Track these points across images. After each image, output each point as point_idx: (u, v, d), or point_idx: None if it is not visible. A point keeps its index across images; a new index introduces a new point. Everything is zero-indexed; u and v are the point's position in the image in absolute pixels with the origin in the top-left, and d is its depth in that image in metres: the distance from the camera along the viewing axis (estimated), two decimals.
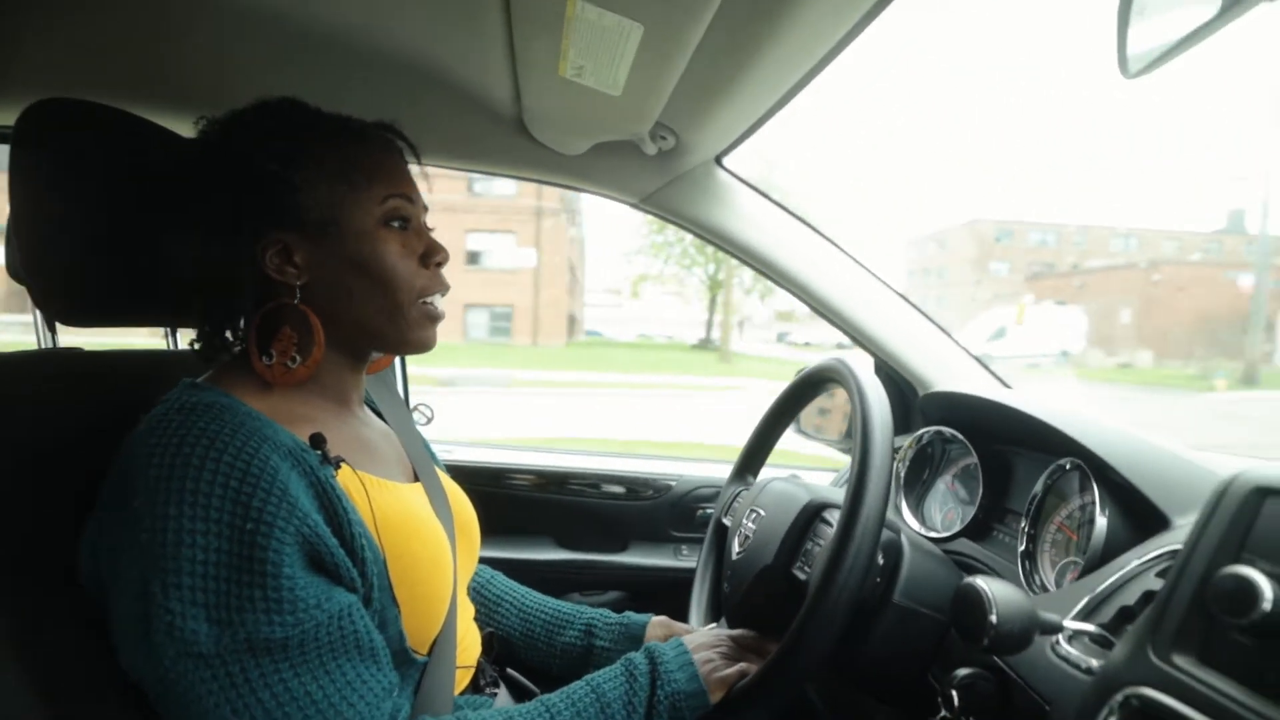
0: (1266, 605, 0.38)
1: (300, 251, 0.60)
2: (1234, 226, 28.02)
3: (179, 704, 0.49)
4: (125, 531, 0.49)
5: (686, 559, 1.31)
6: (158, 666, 0.48)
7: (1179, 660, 0.42)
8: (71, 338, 0.70)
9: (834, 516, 0.74)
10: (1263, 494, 0.42)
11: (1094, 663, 0.53)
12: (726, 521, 0.93)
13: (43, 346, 0.70)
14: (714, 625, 0.88)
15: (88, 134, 0.64)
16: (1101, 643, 0.54)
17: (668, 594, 1.20)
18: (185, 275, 0.62)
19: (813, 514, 0.76)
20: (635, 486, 1.33)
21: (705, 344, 20.47)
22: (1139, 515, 0.65)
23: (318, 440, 0.57)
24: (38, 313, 0.68)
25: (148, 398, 0.55)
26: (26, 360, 0.62)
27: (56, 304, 0.64)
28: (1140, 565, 0.58)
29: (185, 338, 0.78)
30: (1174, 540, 0.58)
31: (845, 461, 1.31)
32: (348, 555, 0.54)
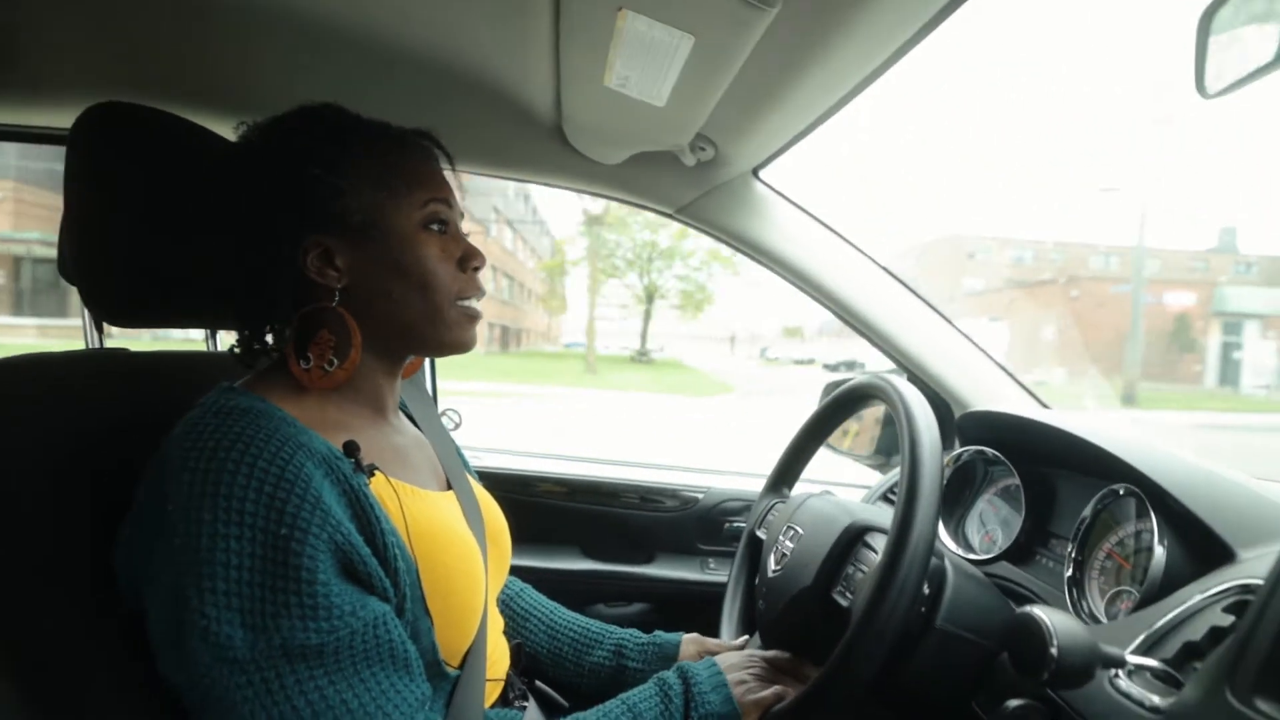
0: None
1: (341, 254, 0.60)
2: (1225, 245, 27.48)
3: (215, 710, 0.48)
4: (159, 535, 0.49)
5: (714, 573, 1.30)
6: (193, 672, 0.48)
7: (1263, 705, 0.40)
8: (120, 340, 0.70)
9: (877, 541, 0.73)
10: None
11: (1157, 700, 0.51)
12: (760, 534, 0.92)
13: (90, 347, 0.70)
14: (746, 638, 0.86)
15: (140, 137, 0.65)
16: (1165, 679, 0.52)
17: (694, 607, 1.19)
18: (228, 277, 0.62)
19: (854, 537, 0.74)
20: (662, 497, 1.31)
21: (640, 355, 20.44)
22: (1200, 546, 0.63)
23: (351, 448, 0.57)
24: (86, 313, 0.69)
25: (189, 399, 0.55)
26: (72, 359, 0.63)
27: (104, 304, 0.64)
28: (1204, 599, 0.56)
29: (227, 342, 0.78)
30: (1242, 574, 0.56)
31: (873, 477, 1.29)
32: (380, 565, 0.53)
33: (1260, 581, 0.44)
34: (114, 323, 0.65)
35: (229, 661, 0.47)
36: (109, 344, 0.72)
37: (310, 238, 0.59)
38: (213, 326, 0.76)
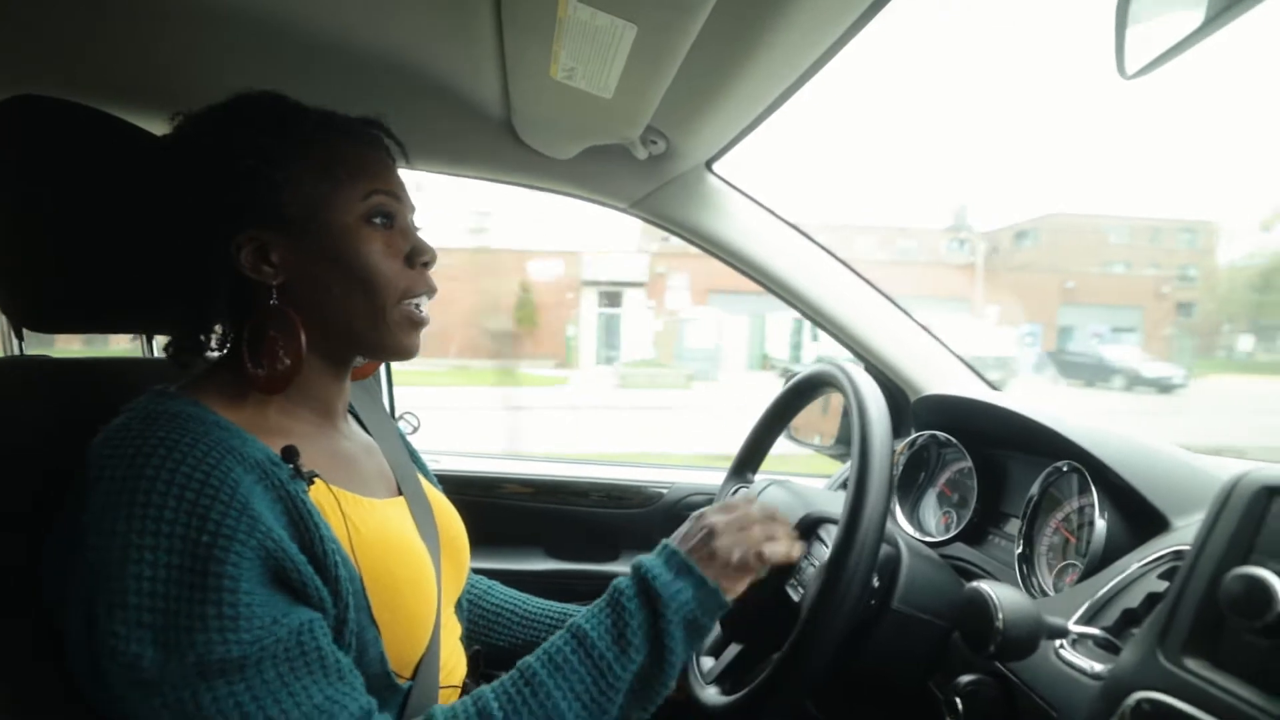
0: None
1: (277, 249, 0.57)
2: (959, 222, 28.77)
3: None
4: (74, 549, 0.47)
5: None
6: (107, 693, 0.45)
7: (1190, 664, 0.42)
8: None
9: (828, 534, 0.73)
10: (1271, 493, 0.42)
11: (1099, 667, 0.52)
12: None
13: (8, 354, 0.67)
14: None
15: (58, 132, 0.61)
16: (1106, 646, 0.54)
17: None
18: (158, 277, 0.60)
19: (809, 529, 0.75)
20: (627, 495, 1.31)
21: None
22: (1138, 517, 0.65)
23: (290, 453, 0.54)
24: (2, 318, 0.65)
25: (119, 407, 0.53)
26: None
27: (22, 309, 0.61)
28: (1142, 568, 0.58)
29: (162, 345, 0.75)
30: (1175, 541, 0.58)
31: (835, 467, 1.31)
32: (318, 573, 0.51)
33: (1190, 547, 0.46)
34: (34, 328, 0.62)
35: (140, 683, 0.44)
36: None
37: (243, 232, 0.56)
38: (144, 330, 0.73)
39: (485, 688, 0.56)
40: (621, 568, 1.30)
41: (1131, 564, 0.59)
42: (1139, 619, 0.53)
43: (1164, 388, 14.37)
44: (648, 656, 0.56)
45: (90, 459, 0.49)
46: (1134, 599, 0.55)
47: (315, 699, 0.48)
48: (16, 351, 0.66)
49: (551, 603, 0.88)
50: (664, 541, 0.63)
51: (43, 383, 0.61)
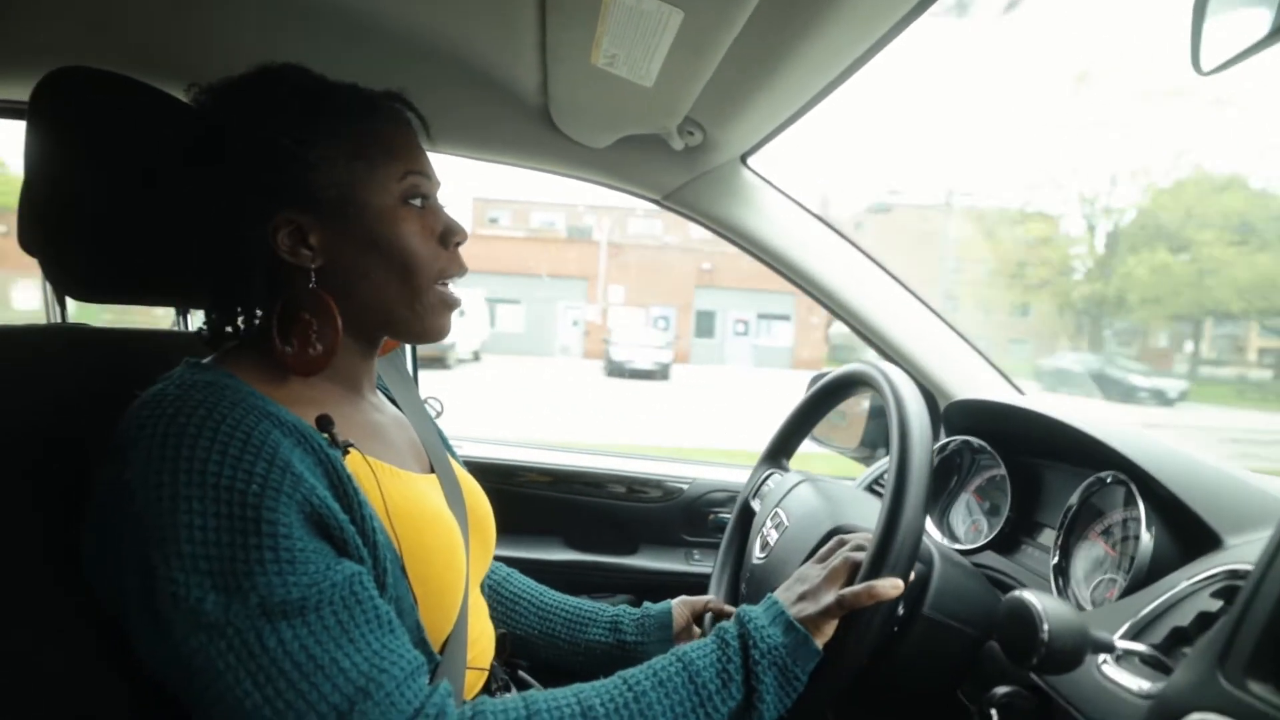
0: None
1: (315, 232, 0.57)
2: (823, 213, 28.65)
3: (199, 682, 0.46)
4: (120, 507, 0.47)
5: (698, 564, 1.29)
6: (170, 645, 0.45)
7: (1254, 687, 0.40)
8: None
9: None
10: None
11: (1145, 685, 0.50)
12: (754, 505, 0.91)
13: (52, 321, 0.68)
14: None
15: (102, 103, 0.62)
16: (1154, 665, 0.52)
17: None
18: (195, 254, 0.59)
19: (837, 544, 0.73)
20: (647, 488, 1.30)
21: None
22: (1188, 533, 0.62)
23: (325, 422, 0.54)
24: (48, 287, 0.66)
25: (152, 376, 0.53)
26: (30, 334, 0.60)
27: (67, 279, 0.62)
28: (1192, 585, 0.55)
29: (199, 320, 0.75)
30: (1230, 560, 0.55)
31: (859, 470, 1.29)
32: (358, 535, 0.51)
33: (1248, 567, 0.44)
34: (76, 296, 0.63)
35: (205, 627, 0.45)
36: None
37: (280, 215, 0.56)
38: (182, 305, 0.73)
39: (585, 686, 0.56)
40: (640, 562, 1.29)
41: (1180, 581, 0.57)
42: (1190, 638, 0.51)
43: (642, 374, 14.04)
44: (744, 697, 0.56)
45: (129, 421, 0.49)
46: (1184, 617, 0.53)
47: (374, 645, 0.48)
48: (59, 319, 0.67)
49: (568, 597, 0.88)
50: (770, 594, 0.63)
51: (82, 350, 0.61)
